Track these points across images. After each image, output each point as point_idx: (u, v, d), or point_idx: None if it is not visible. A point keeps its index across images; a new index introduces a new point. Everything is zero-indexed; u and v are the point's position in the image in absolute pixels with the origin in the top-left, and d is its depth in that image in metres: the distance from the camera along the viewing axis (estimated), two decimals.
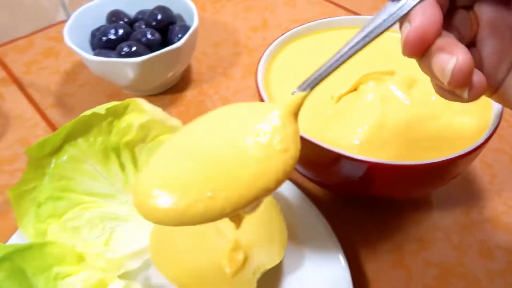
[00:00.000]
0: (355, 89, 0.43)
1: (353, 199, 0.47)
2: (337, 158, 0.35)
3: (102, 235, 0.42)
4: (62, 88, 0.64)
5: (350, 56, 0.25)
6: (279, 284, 0.40)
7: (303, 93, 0.27)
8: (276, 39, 0.46)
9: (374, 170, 0.34)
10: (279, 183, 0.25)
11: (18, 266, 0.37)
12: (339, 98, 0.42)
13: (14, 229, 0.42)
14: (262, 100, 0.40)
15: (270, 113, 0.26)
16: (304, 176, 0.44)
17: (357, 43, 0.25)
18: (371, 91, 0.41)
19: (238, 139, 0.25)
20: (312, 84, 0.27)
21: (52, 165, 0.43)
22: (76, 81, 0.65)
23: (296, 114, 0.27)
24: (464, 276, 0.41)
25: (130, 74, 0.56)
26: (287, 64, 0.45)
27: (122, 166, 0.46)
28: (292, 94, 0.27)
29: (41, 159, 0.43)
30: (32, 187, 0.44)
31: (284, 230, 0.39)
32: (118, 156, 0.46)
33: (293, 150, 0.25)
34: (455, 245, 0.43)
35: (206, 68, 0.66)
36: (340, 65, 0.26)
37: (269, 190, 0.24)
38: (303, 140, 0.36)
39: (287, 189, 0.45)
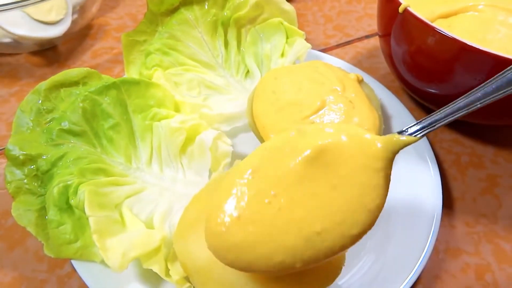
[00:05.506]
0: None
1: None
2: (463, 50, 0.33)
3: (198, 97, 0.44)
4: None
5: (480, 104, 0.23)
6: None
7: (412, 139, 0.23)
8: None
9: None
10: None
11: (122, 98, 0.39)
12: None
13: None
14: None
15: (370, 150, 0.23)
16: (411, 90, 0.43)
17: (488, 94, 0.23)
18: None
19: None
20: (427, 129, 0.24)
21: (165, 25, 0.46)
22: None
23: (394, 156, 0.23)
24: None
25: None
26: None
27: (226, 43, 0.47)
28: (401, 134, 0.23)
29: (157, 15, 0.45)
30: (143, 40, 0.46)
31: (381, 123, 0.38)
32: (225, 32, 0.46)
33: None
34: None
35: None
36: (466, 112, 0.24)
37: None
38: (430, 30, 0.34)
39: (393, 105, 0.44)
